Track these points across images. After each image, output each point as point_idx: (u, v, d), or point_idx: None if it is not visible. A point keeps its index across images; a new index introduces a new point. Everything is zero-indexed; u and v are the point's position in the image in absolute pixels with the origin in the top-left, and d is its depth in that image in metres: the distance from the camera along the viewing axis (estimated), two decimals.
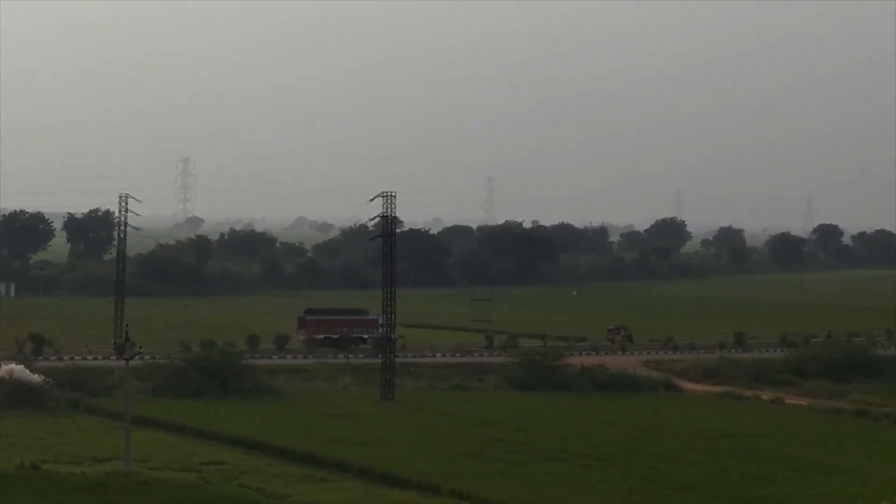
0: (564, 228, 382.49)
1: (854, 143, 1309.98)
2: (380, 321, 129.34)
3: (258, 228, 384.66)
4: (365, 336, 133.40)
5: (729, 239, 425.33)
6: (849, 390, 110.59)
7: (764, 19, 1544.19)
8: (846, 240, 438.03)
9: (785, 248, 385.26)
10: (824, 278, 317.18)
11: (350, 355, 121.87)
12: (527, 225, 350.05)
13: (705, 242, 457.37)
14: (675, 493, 64.70)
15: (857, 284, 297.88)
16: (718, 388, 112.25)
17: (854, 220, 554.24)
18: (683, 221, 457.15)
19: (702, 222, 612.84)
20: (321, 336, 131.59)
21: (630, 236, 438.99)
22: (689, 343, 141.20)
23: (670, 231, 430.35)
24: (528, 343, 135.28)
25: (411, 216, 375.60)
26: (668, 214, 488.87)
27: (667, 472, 70.92)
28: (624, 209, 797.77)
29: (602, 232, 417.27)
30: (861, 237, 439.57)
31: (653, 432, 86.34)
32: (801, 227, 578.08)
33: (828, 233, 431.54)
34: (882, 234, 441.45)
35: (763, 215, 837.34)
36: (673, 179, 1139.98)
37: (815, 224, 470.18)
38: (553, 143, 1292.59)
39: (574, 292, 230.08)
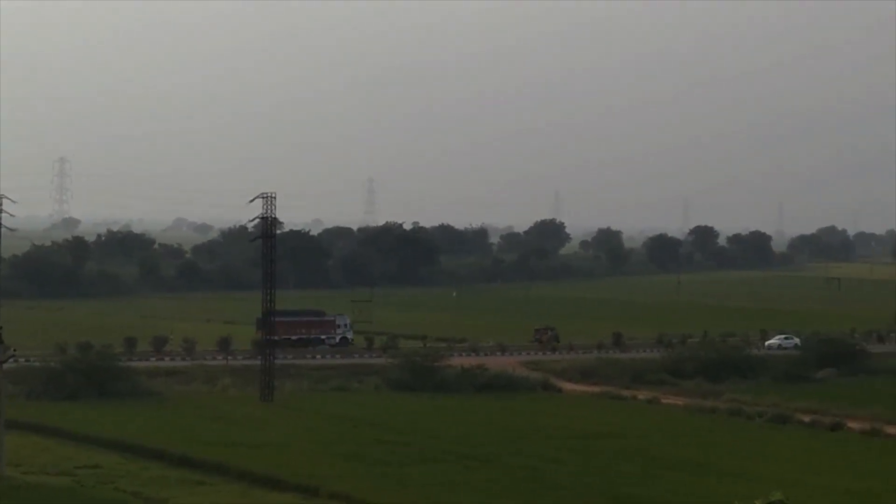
0: (445, 230, 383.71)
1: (728, 145, 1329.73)
2: (337, 322, 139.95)
3: (136, 230, 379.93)
4: (323, 337, 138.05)
5: (607, 240, 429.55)
6: (723, 390, 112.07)
7: (639, 21, 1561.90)
8: (721, 241, 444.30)
9: (662, 249, 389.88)
10: (700, 279, 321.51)
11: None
12: (407, 226, 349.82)
13: (584, 244, 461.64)
14: (553, 493, 65.23)
15: (731, 285, 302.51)
16: (596, 388, 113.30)
17: (729, 222, 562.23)
18: (562, 223, 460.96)
19: (580, 224, 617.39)
20: (280, 337, 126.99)
21: (510, 238, 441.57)
22: (567, 343, 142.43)
23: (549, 232, 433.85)
24: (409, 344, 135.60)
25: (291, 217, 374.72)
26: (547, 216, 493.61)
27: (545, 472, 71.47)
28: (504, 211, 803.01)
29: (482, 233, 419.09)
30: (736, 239, 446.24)
31: (531, 432, 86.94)
32: (677, 228, 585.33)
33: (703, 234, 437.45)
34: (756, 236, 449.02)
35: (641, 217, 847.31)
36: (552, 181, 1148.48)
37: (692, 226, 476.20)
38: (433, 144, 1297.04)
39: (454, 293, 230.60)
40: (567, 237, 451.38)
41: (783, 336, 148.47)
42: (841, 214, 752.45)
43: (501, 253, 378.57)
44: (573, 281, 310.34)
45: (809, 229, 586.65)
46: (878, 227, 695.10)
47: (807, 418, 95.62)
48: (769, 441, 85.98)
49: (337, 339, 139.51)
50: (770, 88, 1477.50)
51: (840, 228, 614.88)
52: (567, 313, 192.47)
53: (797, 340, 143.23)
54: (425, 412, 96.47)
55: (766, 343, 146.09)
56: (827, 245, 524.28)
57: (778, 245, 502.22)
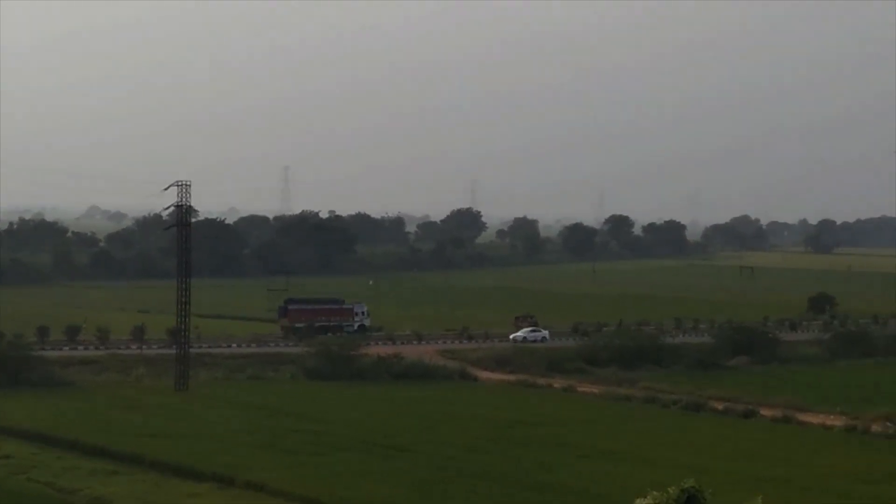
0: (361, 218, 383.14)
1: (643, 134, 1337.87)
2: (356, 310, 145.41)
3: (49, 218, 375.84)
4: (343, 324, 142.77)
5: (523, 229, 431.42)
6: (638, 378, 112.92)
7: (542, 14, 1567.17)
8: (637, 230, 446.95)
9: (578, 238, 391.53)
10: (616, 268, 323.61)
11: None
12: (324, 215, 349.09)
13: (500, 233, 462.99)
14: (469, 481, 65.37)
15: (646, 274, 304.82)
16: (512, 377, 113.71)
17: (644, 211, 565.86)
18: (479, 212, 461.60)
19: (497, 213, 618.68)
20: (302, 324, 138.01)
21: (426, 227, 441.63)
22: (484, 332, 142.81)
23: (466, 221, 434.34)
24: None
25: (207, 206, 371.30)
26: (463, 205, 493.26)
27: (461, 460, 71.64)
28: (420, 200, 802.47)
29: (399, 222, 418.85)
30: (651, 227, 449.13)
31: (447, 421, 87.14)
32: (593, 217, 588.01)
33: (619, 223, 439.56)
34: (671, 225, 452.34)
35: (557, 206, 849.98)
36: (469, 170, 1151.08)
37: (607, 214, 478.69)
38: (350, 133, 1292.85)
39: (370, 282, 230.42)
40: (483, 226, 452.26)
41: (530, 329, 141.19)
42: (754, 204, 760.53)
43: (418, 242, 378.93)
44: (489, 269, 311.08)
45: (723, 218, 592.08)
46: (791, 217, 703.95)
47: (720, 406, 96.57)
48: (683, 428, 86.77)
49: (356, 327, 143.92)
50: (680, 77, 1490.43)
51: (753, 218, 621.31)
52: (483, 302, 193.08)
53: (545, 333, 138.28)
54: (341, 401, 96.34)
55: (512, 336, 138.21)
56: (740, 234, 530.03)
57: (692, 234, 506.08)
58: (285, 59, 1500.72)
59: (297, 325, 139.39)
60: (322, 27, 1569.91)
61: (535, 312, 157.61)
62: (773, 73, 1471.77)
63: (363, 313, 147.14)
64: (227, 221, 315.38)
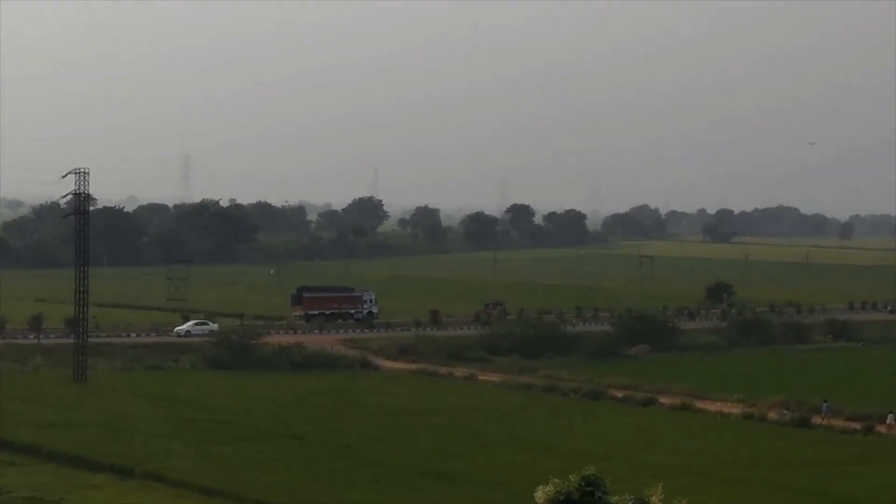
0: (262, 207, 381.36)
1: (545, 124, 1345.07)
2: (364, 298, 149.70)
3: None
4: (352, 311, 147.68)
5: (425, 218, 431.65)
6: (539, 366, 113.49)
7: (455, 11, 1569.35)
8: (538, 219, 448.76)
9: (479, 227, 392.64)
10: (517, 257, 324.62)
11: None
12: (224, 203, 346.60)
13: (402, 221, 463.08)
14: (370, 470, 65.24)
15: (547, 263, 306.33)
16: (414, 366, 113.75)
17: (545, 201, 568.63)
18: (381, 201, 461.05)
19: (399, 202, 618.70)
20: (316, 312, 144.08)
21: (328, 215, 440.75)
22: (385, 321, 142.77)
23: (368, 210, 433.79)
24: (225, 322, 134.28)
25: (105, 194, 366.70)
26: (365, 194, 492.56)
27: (361, 449, 71.51)
28: (322, 188, 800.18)
29: (300, 211, 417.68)
30: (552, 217, 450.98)
31: (348, 410, 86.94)
32: (494, 206, 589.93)
33: (520, 212, 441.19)
34: (571, 214, 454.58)
35: (458, 195, 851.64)
36: (371, 159, 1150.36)
37: (509, 204, 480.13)
38: (251, 121, 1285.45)
39: (271, 271, 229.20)
40: (385, 215, 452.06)
41: (195, 322, 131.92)
42: (653, 194, 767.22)
43: (320, 230, 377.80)
44: (391, 258, 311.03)
45: (623, 208, 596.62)
46: (690, 207, 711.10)
47: (620, 394, 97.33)
48: (583, 416, 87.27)
49: (364, 313, 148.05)
50: (583, 71, 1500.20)
51: (653, 207, 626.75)
52: (385, 291, 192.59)
53: (213, 326, 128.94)
54: (242, 390, 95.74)
55: (176, 329, 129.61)
56: (640, 223, 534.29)
57: (593, 223, 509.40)
58: (188, 48, 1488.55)
59: (311, 312, 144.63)
60: (223, 19, 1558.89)
61: (438, 301, 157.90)
62: (672, 68, 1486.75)
63: (371, 300, 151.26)
64: (126, 210, 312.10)
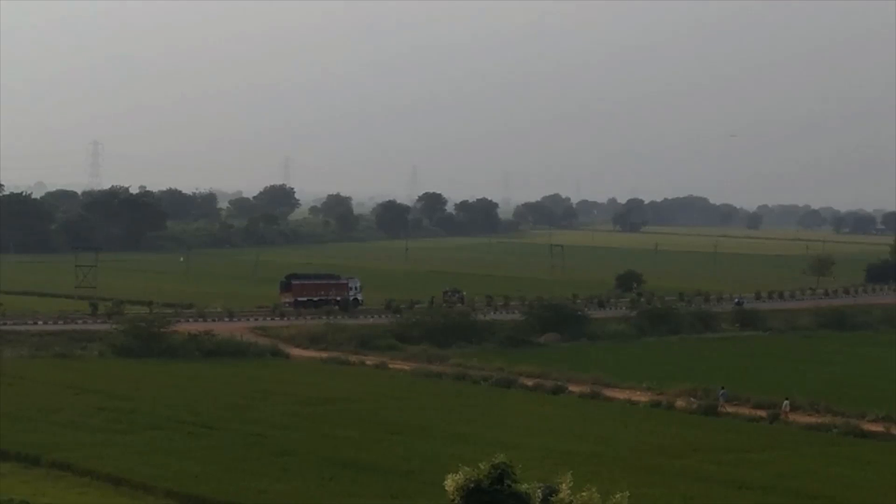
0: (172, 194, 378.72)
1: (457, 112, 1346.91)
2: (349, 285, 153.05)
3: None
4: (338, 298, 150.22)
5: (337, 206, 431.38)
6: (449, 354, 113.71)
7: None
8: (449, 208, 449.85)
9: (391, 215, 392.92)
10: (428, 245, 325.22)
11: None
12: (134, 190, 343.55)
13: (314, 209, 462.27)
14: (279, 459, 65.00)
15: (458, 251, 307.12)
16: (325, 354, 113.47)
17: (457, 189, 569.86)
18: (292, 189, 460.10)
19: (311, 189, 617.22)
20: (304, 298, 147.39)
21: (239, 203, 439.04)
22: (296, 310, 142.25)
23: (279, 198, 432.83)
24: (135, 310, 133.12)
25: (12, 180, 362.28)
26: (277, 181, 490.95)
27: (271, 438, 71.21)
28: (233, 176, 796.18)
29: (210, 198, 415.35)
30: (463, 205, 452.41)
31: (258, 398, 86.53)
32: (406, 195, 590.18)
33: (432, 201, 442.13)
34: (483, 203, 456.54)
35: (370, 183, 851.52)
36: (282, 146, 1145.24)
37: (420, 192, 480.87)
38: (161, 106, 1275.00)
39: (181, 259, 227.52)
40: (297, 203, 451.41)
41: None
42: (565, 183, 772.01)
43: (230, 218, 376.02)
44: (303, 246, 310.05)
45: (535, 197, 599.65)
46: (601, 196, 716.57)
47: (530, 382, 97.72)
48: (494, 405, 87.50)
49: (350, 300, 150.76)
50: (496, 56, 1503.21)
51: (564, 196, 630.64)
52: None
53: None
54: (151, 379, 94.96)
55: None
56: (551, 212, 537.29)
57: (504, 212, 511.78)
58: (101, 35, 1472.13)
59: (300, 298, 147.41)
60: (136, 8, 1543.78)
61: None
62: (571, 55, 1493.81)
63: (356, 288, 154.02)
64: (33, 196, 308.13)
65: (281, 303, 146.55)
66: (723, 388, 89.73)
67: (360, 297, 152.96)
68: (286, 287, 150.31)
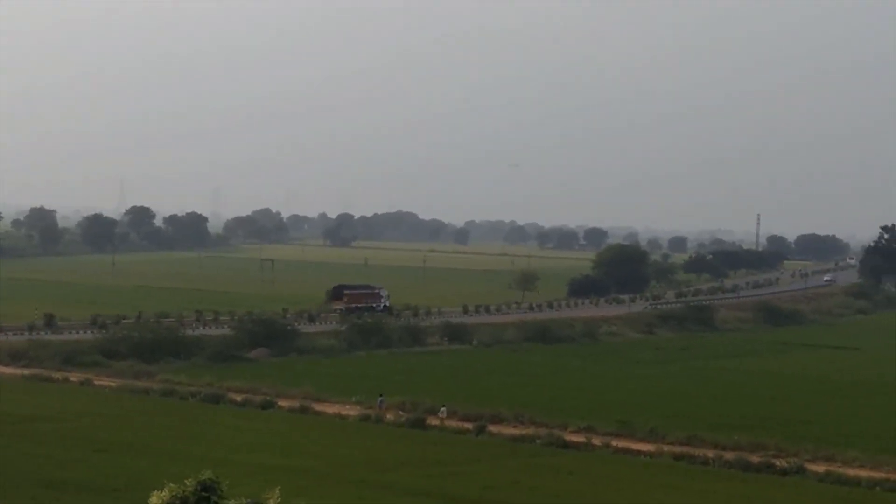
0: None
1: (167, 127, 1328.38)
2: (381, 294, 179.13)
3: None
4: (374, 305, 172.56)
5: (40, 219, 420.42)
6: (157, 370, 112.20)
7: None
8: (158, 222, 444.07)
9: (97, 229, 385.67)
10: (136, 259, 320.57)
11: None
12: None
13: (16, 223, 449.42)
14: None
15: (168, 266, 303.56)
16: (27, 371, 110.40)
17: (166, 203, 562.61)
18: None
19: (14, 202, 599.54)
20: (353, 305, 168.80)
21: None
22: None
23: None
24: None
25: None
26: None
27: None
28: None
29: None
30: (172, 220, 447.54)
31: None
32: (114, 209, 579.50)
33: (140, 214, 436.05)
34: (192, 217, 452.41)
35: (77, 196, 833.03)
36: None
37: (128, 206, 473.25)
38: None
39: None
40: None
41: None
42: (275, 197, 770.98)
43: None
44: (4, 261, 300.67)
45: (245, 211, 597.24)
46: (311, 211, 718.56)
47: (239, 397, 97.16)
48: (202, 421, 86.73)
49: (381, 307, 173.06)
50: (199, 71, 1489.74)
51: (274, 211, 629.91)
52: None
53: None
54: None
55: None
56: (262, 227, 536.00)
57: (214, 226, 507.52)
58: None
59: (350, 305, 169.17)
60: None
61: (53, 305, 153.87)
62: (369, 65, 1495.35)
63: (386, 296, 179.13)
64: None
65: (333, 309, 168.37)
66: (381, 395, 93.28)
67: (388, 304, 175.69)
68: (338, 295, 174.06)
